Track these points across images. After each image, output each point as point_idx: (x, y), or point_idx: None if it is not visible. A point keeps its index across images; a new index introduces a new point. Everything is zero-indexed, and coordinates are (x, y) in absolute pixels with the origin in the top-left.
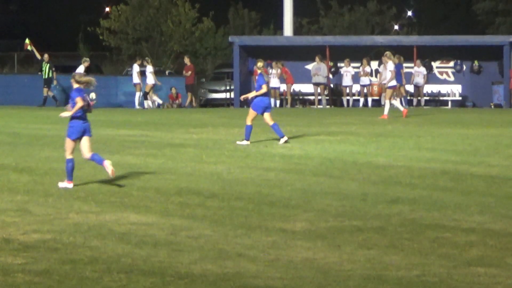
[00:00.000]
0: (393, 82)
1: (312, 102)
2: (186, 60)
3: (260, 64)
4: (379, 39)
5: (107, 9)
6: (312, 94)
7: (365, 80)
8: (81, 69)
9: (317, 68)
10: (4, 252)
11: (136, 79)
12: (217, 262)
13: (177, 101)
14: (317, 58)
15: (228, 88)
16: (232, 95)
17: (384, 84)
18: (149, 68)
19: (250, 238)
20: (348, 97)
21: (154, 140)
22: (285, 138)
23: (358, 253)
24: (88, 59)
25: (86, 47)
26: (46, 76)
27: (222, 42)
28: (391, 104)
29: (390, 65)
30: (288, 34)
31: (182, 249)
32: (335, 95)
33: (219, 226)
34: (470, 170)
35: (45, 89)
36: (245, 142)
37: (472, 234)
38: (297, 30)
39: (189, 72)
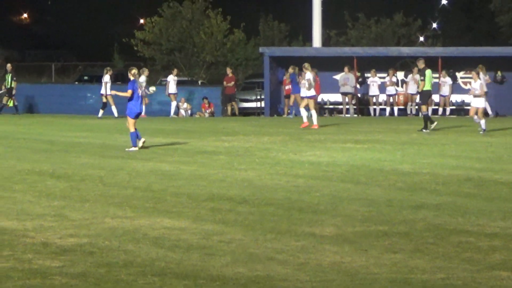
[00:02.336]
0: (312, 92)
1: (339, 111)
2: (229, 71)
3: (134, 71)
4: (405, 50)
5: (142, 21)
6: (339, 103)
7: (391, 89)
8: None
9: (345, 78)
10: (42, 255)
11: (171, 89)
12: (248, 266)
13: (209, 110)
14: (345, 69)
15: (258, 97)
16: (263, 104)
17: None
18: (106, 78)
19: (280, 242)
20: (374, 106)
21: (187, 148)
22: (135, 149)
23: (384, 257)
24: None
25: (121, 57)
26: (9, 86)
27: (253, 53)
28: (305, 112)
29: (308, 75)
30: (316, 45)
31: (214, 253)
32: (362, 104)
33: (249, 231)
34: (493, 177)
35: (6, 98)
36: (133, 149)
37: (495, 239)
38: (325, 42)
39: (232, 83)
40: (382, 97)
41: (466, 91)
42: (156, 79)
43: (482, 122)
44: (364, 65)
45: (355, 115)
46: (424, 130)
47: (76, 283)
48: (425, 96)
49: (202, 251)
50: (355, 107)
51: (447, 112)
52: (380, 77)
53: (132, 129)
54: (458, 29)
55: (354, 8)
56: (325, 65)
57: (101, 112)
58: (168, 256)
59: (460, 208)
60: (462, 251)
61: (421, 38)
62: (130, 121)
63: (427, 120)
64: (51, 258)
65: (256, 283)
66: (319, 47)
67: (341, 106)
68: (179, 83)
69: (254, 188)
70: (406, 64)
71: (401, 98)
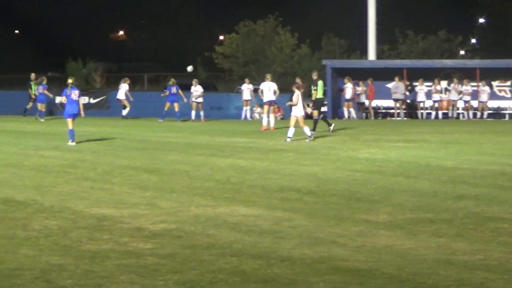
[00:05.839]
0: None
1: (391, 115)
2: (298, 80)
3: (70, 80)
4: (448, 62)
5: (221, 37)
6: (391, 108)
7: (436, 96)
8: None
9: (396, 86)
10: (136, 239)
11: (246, 96)
12: (313, 248)
13: (278, 114)
14: (396, 78)
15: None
16: (326, 109)
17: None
18: (125, 87)
19: (340, 227)
20: (422, 111)
21: (260, 146)
22: (72, 144)
23: (430, 241)
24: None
25: (204, 68)
26: (35, 93)
27: (317, 65)
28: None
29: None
30: (371, 58)
31: (283, 237)
32: (411, 109)
33: (314, 218)
34: None
35: (31, 103)
36: (71, 143)
37: None
38: (379, 55)
39: (302, 91)
40: (428, 103)
41: (501, 98)
42: (233, 87)
43: (306, 129)
44: (413, 75)
45: (405, 119)
46: (330, 129)
47: (165, 263)
48: (318, 103)
49: (273, 235)
50: (405, 111)
51: (485, 116)
52: (427, 86)
53: (70, 127)
54: (494, 44)
55: (404, 26)
56: (379, 75)
57: (124, 111)
58: (244, 239)
59: (496, 198)
60: (497, 236)
61: (462, 52)
62: (68, 121)
63: (316, 123)
64: (144, 241)
65: (320, 263)
66: (373, 60)
67: (392, 111)
68: (253, 91)
69: (318, 181)
70: (448, 75)
71: (445, 103)
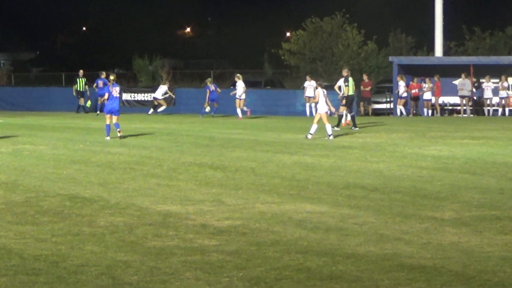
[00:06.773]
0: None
1: (458, 112)
2: (365, 77)
3: (112, 77)
4: None
5: (288, 34)
6: (458, 105)
7: (503, 93)
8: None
9: (463, 83)
10: (202, 235)
11: (309, 92)
12: (378, 245)
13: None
14: (462, 75)
15: (388, 99)
16: (392, 106)
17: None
18: (164, 88)
19: (406, 224)
20: (488, 108)
21: (326, 143)
22: (108, 138)
23: (496, 238)
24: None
25: (270, 65)
26: (81, 89)
27: (383, 62)
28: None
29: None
30: (438, 55)
31: (349, 234)
32: (478, 106)
33: (380, 215)
34: None
35: (82, 99)
36: (107, 138)
37: None
38: (446, 52)
39: (369, 87)
40: (495, 100)
41: None
42: (300, 84)
43: (328, 126)
44: (479, 72)
45: (471, 115)
46: (354, 128)
47: (231, 259)
48: (349, 100)
49: (339, 232)
50: (471, 108)
51: None
52: (493, 82)
53: (107, 122)
54: None
55: (471, 22)
56: (446, 72)
57: (160, 109)
58: (309, 236)
59: None
60: None
61: None
62: (106, 116)
63: (341, 119)
64: (209, 238)
65: (385, 260)
66: (440, 57)
67: (459, 108)
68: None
69: (384, 178)
70: None
71: (511, 100)
